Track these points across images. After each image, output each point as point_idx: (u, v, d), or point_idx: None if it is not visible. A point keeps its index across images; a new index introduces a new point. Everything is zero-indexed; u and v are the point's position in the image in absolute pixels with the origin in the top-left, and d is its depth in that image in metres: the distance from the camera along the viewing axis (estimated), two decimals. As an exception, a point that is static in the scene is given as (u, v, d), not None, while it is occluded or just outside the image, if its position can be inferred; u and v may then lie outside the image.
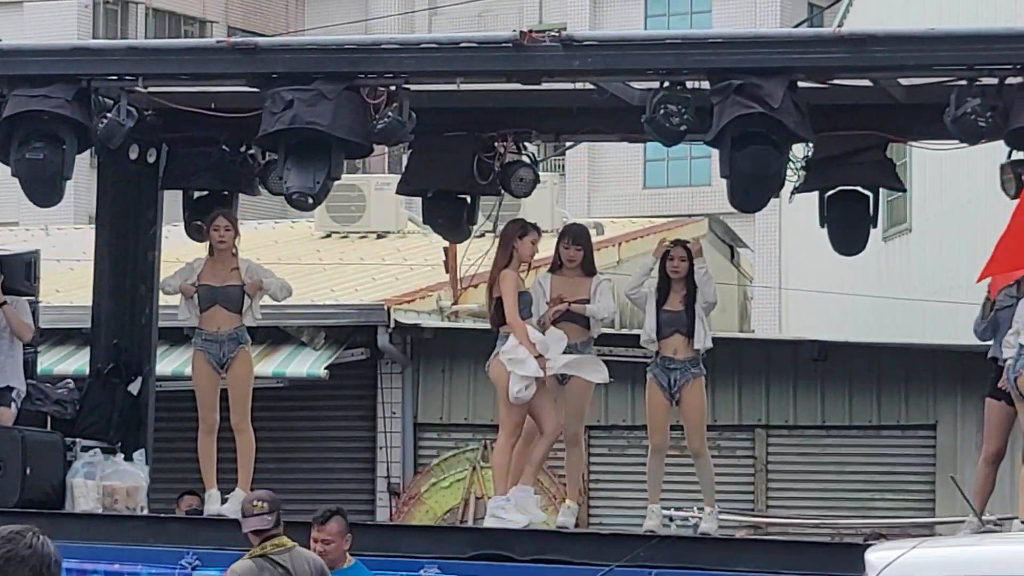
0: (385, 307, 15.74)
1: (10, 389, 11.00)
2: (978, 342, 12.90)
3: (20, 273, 11.83)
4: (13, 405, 10.98)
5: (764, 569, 9.54)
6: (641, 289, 10.68)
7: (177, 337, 13.73)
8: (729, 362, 14.60)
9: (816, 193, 11.30)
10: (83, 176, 13.99)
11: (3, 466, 10.59)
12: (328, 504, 9.57)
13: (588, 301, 10.65)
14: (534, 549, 9.89)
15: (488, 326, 16.46)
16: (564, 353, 10.60)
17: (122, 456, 11.19)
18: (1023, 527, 9.63)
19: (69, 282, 17.08)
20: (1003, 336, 10.01)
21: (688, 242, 10.97)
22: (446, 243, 15.31)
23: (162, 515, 11.27)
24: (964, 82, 9.57)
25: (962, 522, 14.29)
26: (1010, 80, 9.56)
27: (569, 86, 10.76)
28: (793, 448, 15.24)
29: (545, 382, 10.30)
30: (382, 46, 10.27)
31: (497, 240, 10.68)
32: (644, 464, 10.98)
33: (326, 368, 15.32)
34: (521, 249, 10.50)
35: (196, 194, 11.72)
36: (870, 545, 10.84)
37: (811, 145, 10.82)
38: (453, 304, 16.57)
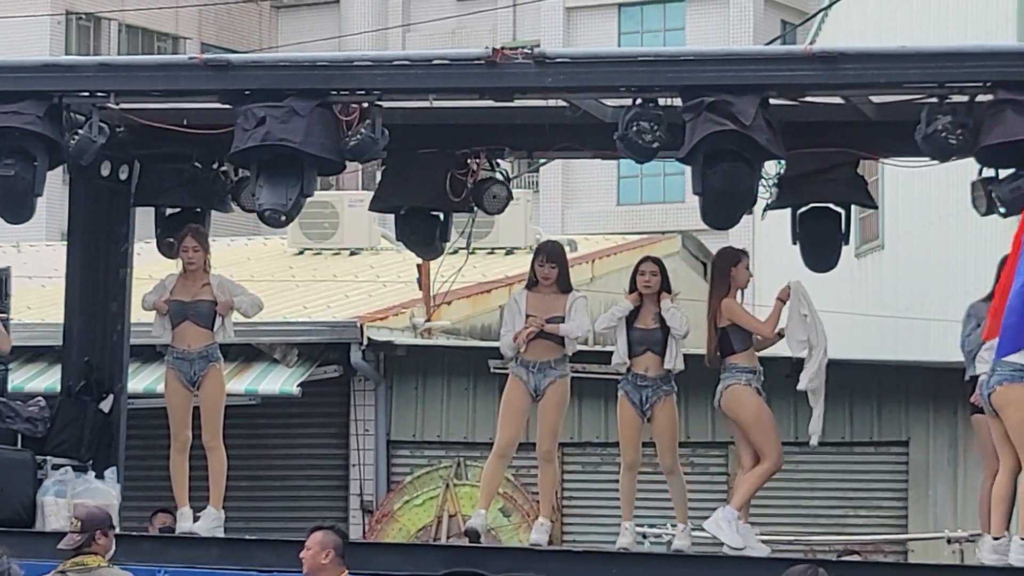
0: (358, 324, 15.74)
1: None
2: (950, 358, 12.91)
3: (-9, 290, 11.82)
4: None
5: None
6: (611, 325, 10.69)
7: (149, 354, 13.72)
8: (702, 379, 14.60)
9: (788, 210, 11.33)
10: (55, 193, 13.90)
11: (-26, 485, 10.55)
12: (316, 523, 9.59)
13: (563, 318, 10.66)
14: (507, 566, 9.88)
15: (460, 343, 16.52)
16: (537, 371, 10.62)
17: (93, 474, 11.16)
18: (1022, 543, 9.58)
19: (41, 299, 17.03)
20: (978, 352, 10.03)
21: (658, 259, 10.99)
22: (419, 260, 15.30)
23: (134, 533, 11.23)
24: (935, 99, 9.61)
25: (934, 539, 14.34)
26: (980, 97, 9.59)
27: (542, 103, 10.77)
28: (767, 464, 15.23)
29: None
30: (355, 63, 10.27)
31: (711, 272, 10.81)
32: (617, 481, 10.97)
33: (299, 385, 15.30)
34: (737, 276, 10.65)
35: (168, 211, 11.70)
36: (844, 562, 10.87)
37: (783, 162, 10.86)
38: (426, 321, 16.57)
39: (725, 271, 10.69)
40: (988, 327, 9.43)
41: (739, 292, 10.71)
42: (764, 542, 10.47)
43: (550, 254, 10.84)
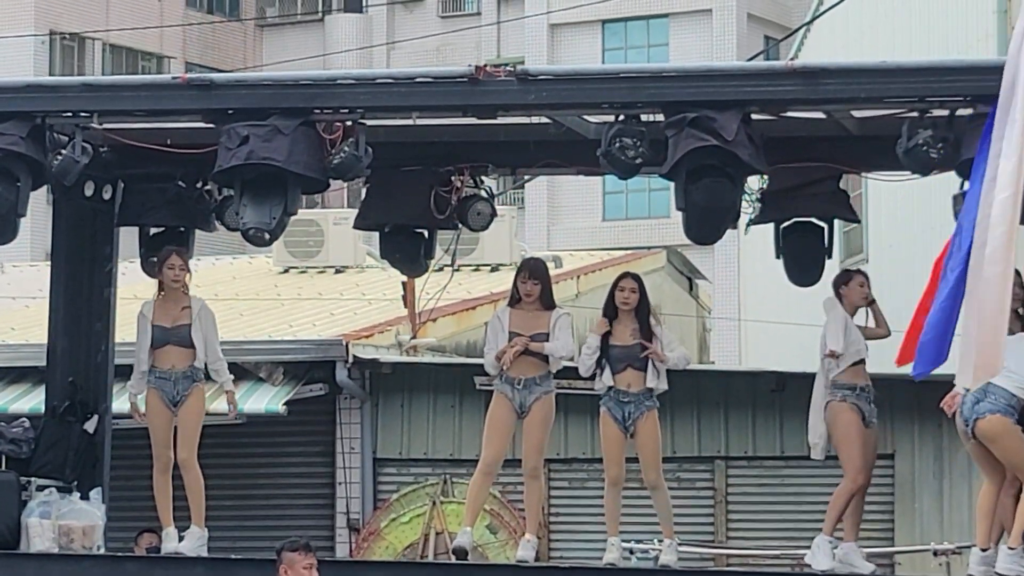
0: (343, 342, 15.72)
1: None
2: (934, 372, 12.90)
3: (-25, 311, 11.80)
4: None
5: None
6: (591, 364, 10.70)
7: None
8: (688, 393, 14.63)
9: (771, 225, 11.35)
10: (39, 213, 13.94)
11: (-42, 506, 10.52)
12: (292, 537, 9.59)
13: (547, 335, 10.67)
14: (493, 583, 9.88)
15: (446, 360, 16.50)
16: (522, 387, 10.63)
17: (78, 495, 11.13)
18: (1009, 552, 9.65)
19: (25, 319, 17.00)
20: None
21: (637, 276, 11.01)
22: (404, 277, 15.30)
23: (119, 554, 11.21)
24: (915, 114, 9.65)
25: (920, 551, 14.35)
26: (961, 112, 9.64)
27: (525, 120, 10.79)
28: (752, 479, 15.26)
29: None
30: (338, 81, 10.28)
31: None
32: (603, 497, 10.97)
33: (284, 404, 15.28)
34: (849, 295, 10.77)
35: (152, 231, 11.69)
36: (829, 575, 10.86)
37: (766, 177, 10.88)
38: (412, 338, 16.56)
39: (836, 291, 10.83)
40: (901, 352, 9.51)
41: (854, 310, 10.80)
42: (749, 557, 10.49)
43: (533, 271, 10.85)
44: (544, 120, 10.63)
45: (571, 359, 11.06)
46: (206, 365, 11.05)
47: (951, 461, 15.03)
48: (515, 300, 10.82)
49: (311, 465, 16.03)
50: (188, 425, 10.90)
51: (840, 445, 10.60)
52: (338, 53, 39.39)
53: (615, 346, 10.63)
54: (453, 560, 11.47)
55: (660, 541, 11.00)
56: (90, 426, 11.45)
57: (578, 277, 19.16)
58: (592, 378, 10.77)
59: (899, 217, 18.79)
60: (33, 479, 11.13)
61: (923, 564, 14.29)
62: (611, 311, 10.73)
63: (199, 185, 11.41)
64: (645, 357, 10.58)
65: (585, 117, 10.45)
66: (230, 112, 10.21)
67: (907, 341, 9.54)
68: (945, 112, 9.65)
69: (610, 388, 10.62)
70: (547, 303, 10.78)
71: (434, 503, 15.60)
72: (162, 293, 11.05)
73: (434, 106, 10.33)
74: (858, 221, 13.59)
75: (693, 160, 9.68)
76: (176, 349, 10.92)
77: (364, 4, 42.13)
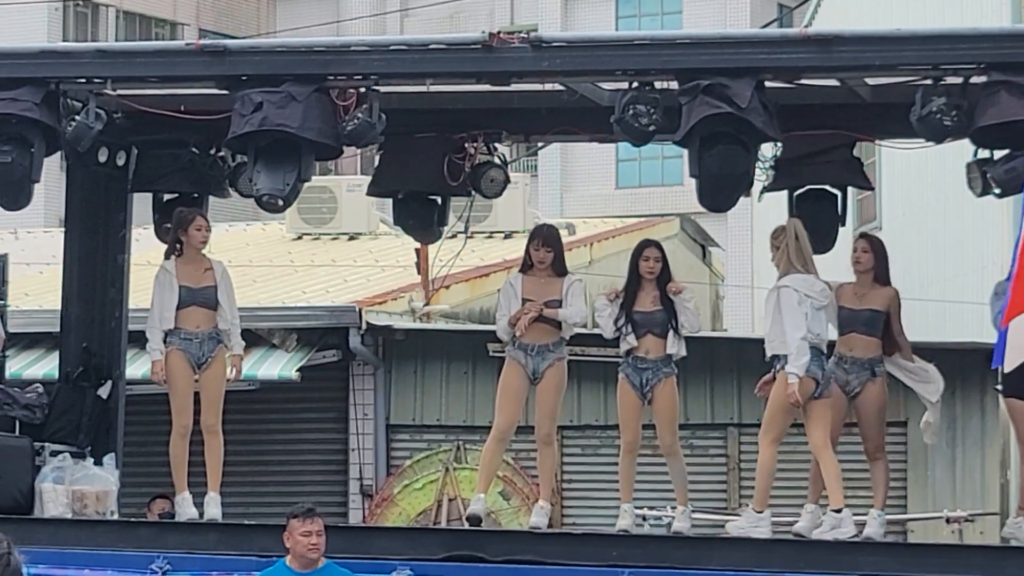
0: (357, 309, 15.75)
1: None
2: (948, 339, 12.96)
3: (-11, 277, 11.83)
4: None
5: (737, 568, 9.56)
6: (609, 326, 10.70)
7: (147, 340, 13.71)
8: (701, 361, 14.62)
9: (785, 192, 11.34)
10: (52, 179, 13.95)
11: (-28, 471, 10.56)
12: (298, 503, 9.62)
13: (560, 302, 10.67)
14: (507, 550, 9.90)
15: (459, 327, 16.52)
16: (535, 354, 10.64)
17: (92, 460, 11.15)
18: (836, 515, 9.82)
19: (38, 286, 17.05)
20: None
21: (659, 244, 10.99)
22: (418, 244, 15.31)
23: (132, 519, 11.24)
24: (929, 81, 9.62)
25: (933, 519, 14.37)
26: (974, 79, 9.60)
27: (539, 87, 10.77)
28: (765, 446, 15.25)
29: None
30: (352, 48, 10.27)
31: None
32: (617, 464, 10.99)
33: (298, 370, 15.32)
34: None
35: (166, 197, 11.70)
36: (842, 542, 10.89)
37: (779, 144, 10.87)
38: (425, 305, 16.59)
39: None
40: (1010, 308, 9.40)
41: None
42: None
43: (545, 238, 10.84)
44: (558, 87, 10.61)
45: (584, 325, 11.06)
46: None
47: (964, 429, 15.05)
48: (527, 267, 10.82)
49: (324, 431, 16.07)
50: (213, 389, 10.83)
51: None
52: (352, 20, 39.29)
53: (637, 312, 10.61)
54: (466, 526, 11.50)
55: (673, 508, 11.01)
56: (104, 392, 11.47)
57: (591, 244, 19.16)
58: (616, 341, 10.72)
59: (913, 185, 18.76)
60: (47, 444, 11.15)
61: (935, 531, 14.32)
62: (635, 279, 10.69)
63: (213, 151, 11.41)
64: (666, 324, 10.56)
65: (599, 84, 10.43)
66: (244, 78, 10.20)
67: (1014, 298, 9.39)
68: (959, 80, 9.62)
69: (629, 353, 10.61)
70: (559, 269, 10.78)
71: (447, 469, 15.64)
72: (179, 255, 10.97)
73: (448, 73, 10.31)
74: (872, 188, 13.59)
75: (707, 127, 9.67)
76: (201, 310, 10.86)
77: (378, -29, 42.01)
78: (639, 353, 10.60)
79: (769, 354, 10.33)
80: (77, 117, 10.18)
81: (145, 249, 13.33)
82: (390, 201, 12.00)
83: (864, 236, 10.79)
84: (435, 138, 11.20)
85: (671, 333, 10.57)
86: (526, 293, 10.68)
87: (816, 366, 10.20)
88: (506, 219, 19.40)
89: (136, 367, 12.84)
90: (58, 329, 11.91)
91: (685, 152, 10.02)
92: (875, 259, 10.58)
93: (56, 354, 12.25)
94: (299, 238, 20.28)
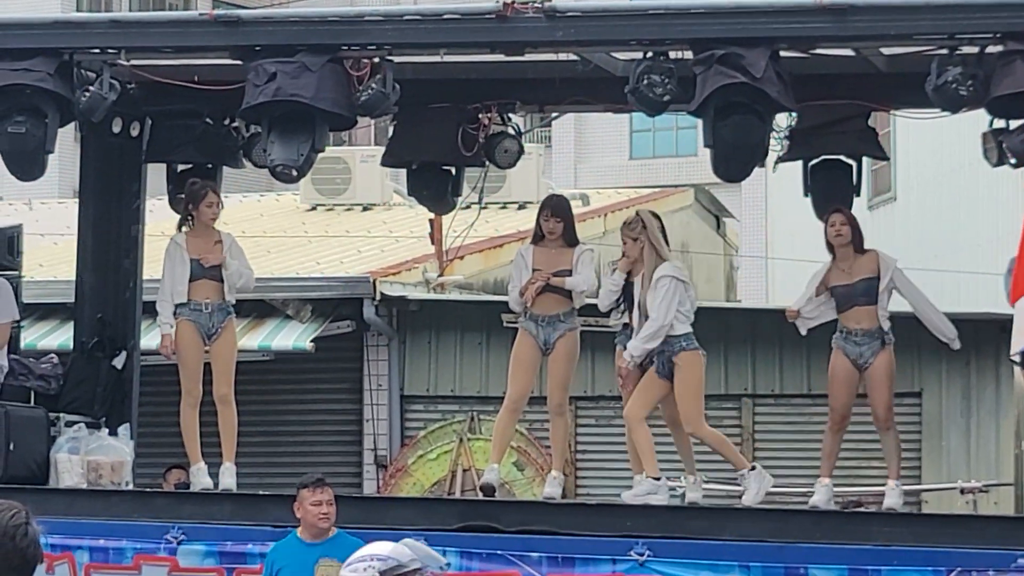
0: (371, 279, 15.75)
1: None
2: (962, 309, 12.90)
3: (3, 248, 11.84)
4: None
5: (751, 538, 9.57)
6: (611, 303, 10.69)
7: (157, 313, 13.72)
8: (715, 332, 14.60)
9: (800, 162, 11.31)
10: (66, 150, 13.93)
11: (-13, 441, 10.58)
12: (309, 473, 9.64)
13: (571, 272, 10.66)
14: (521, 520, 9.91)
15: (473, 298, 16.52)
16: (546, 324, 10.62)
17: (107, 431, 11.18)
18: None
19: (53, 256, 17.06)
20: None
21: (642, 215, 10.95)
22: (431, 215, 15.30)
23: (147, 490, 11.28)
24: (945, 51, 9.58)
25: (947, 489, 14.36)
26: (990, 49, 9.56)
27: (552, 57, 10.75)
28: (780, 417, 15.28)
29: None
30: (365, 18, 10.25)
31: None
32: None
33: (312, 341, 15.33)
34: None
35: (180, 167, 11.71)
36: (859, 512, 10.90)
37: (794, 115, 10.84)
38: (439, 276, 16.58)
39: None
40: (1015, 287, 9.37)
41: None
42: (776, 495, 10.50)
43: (555, 208, 10.84)
44: (572, 57, 10.59)
45: (593, 295, 11.05)
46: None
47: (978, 399, 15.02)
48: (538, 238, 10.82)
49: (339, 402, 16.09)
50: (225, 359, 10.90)
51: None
52: (365, -10, 39.23)
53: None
54: (480, 497, 11.52)
55: (685, 478, 11.01)
56: (118, 362, 11.50)
57: (605, 215, 19.12)
58: (608, 315, 10.73)
59: (928, 155, 18.70)
60: (62, 415, 11.19)
61: (950, 502, 14.31)
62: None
63: (226, 122, 11.41)
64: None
65: (613, 54, 10.41)
66: (257, 49, 10.19)
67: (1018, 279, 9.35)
68: (975, 49, 9.58)
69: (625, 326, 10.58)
70: (570, 240, 10.77)
71: (461, 440, 15.65)
72: (189, 228, 11.02)
73: (461, 43, 10.30)
74: (887, 159, 13.56)
75: (721, 97, 9.64)
76: (211, 283, 10.91)
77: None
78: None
79: (659, 342, 10.24)
80: (91, 87, 10.18)
81: (159, 220, 13.32)
82: (404, 172, 11.99)
83: (838, 210, 10.77)
84: (449, 108, 11.18)
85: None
86: (537, 264, 10.68)
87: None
88: (520, 190, 19.37)
89: (150, 338, 12.83)
90: (73, 300, 11.93)
91: (699, 122, 10.00)
92: (852, 230, 10.62)
93: (71, 325, 12.27)
94: (313, 209, 20.27)
